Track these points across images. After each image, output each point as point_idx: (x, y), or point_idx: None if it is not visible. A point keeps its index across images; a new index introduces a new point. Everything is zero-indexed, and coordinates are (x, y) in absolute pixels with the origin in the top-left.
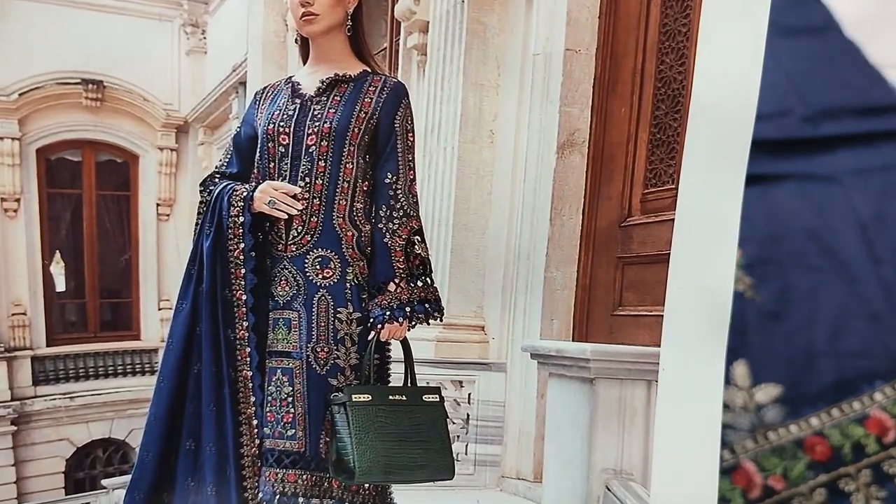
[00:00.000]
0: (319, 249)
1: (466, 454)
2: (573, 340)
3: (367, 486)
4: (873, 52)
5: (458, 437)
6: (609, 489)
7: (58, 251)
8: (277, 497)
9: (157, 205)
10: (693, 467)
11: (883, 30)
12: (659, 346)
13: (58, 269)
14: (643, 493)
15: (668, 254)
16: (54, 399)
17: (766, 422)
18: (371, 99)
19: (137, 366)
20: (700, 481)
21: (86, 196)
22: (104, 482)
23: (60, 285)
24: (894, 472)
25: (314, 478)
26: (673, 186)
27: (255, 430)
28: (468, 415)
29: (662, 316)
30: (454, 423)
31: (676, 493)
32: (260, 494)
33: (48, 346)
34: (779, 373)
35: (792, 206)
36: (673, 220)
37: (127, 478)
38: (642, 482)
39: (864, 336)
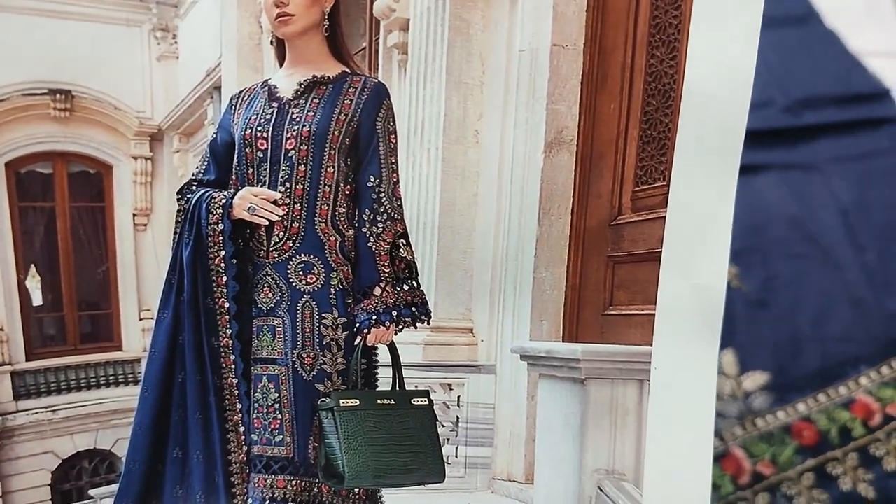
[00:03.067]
0: (302, 255)
1: (457, 457)
2: (563, 341)
3: (357, 490)
4: (853, 42)
5: (448, 439)
6: (601, 489)
7: (33, 265)
8: (267, 503)
9: (134, 215)
10: (686, 466)
11: (862, 19)
12: (651, 345)
13: (34, 283)
14: (636, 494)
15: (660, 252)
16: (37, 413)
17: (754, 409)
18: (351, 100)
19: (120, 376)
20: (693, 480)
21: (59, 208)
22: (91, 492)
23: (37, 299)
24: (881, 455)
25: (303, 483)
26: (664, 183)
27: (243, 437)
28: (458, 417)
29: (654, 315)
30: (444, 425)
31: (669, 492)
32: (249, 501)
33: (28, 360)
34: (765, 360)
35: (775, 195)
36: (664, 217)
37: (114, 487)
38: (635, 482)
39: (849, 321)
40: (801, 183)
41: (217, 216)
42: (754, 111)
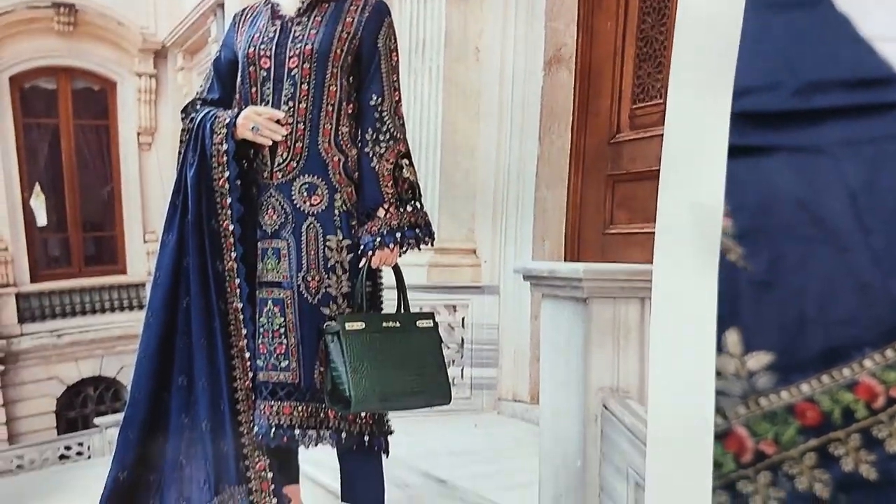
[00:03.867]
0: (306, 176)
1: (462, 378)
2: (565, 260)
3: (363, 414)
4: (864, 26)
5: (454, 361)
6: (606, 407)
7: (37, 183)
8: (273, 430)
9: (138, 134)
10: (689, 382)
11: (873, 4)
12: (651, 263)
13: (38, 203)
14: (640, 411)
15: (658, 170)
16: (41, 337)
17: (758, 388)
18: (353, 18)
19: (125, 301)
20: (697, 395)
21: (63, 126)
22: (97, 421)
23: (42, 219)
24: (883, 437)
25: (310, 409)
26: (661, 101)
27: (248, 364)
28: (462, 339)
29: (654, 233)
30: (449, 347)
31: (673, 408)
32: (255, 428)
33: (32, 282)
34: (770, 341)
35: (782, 178)
36: (662, 135)
37: (120, 416)
38: (639, 399)
39: (854, 304)
40: (809, 166)
41: (221, 136)
42: (763, 93)
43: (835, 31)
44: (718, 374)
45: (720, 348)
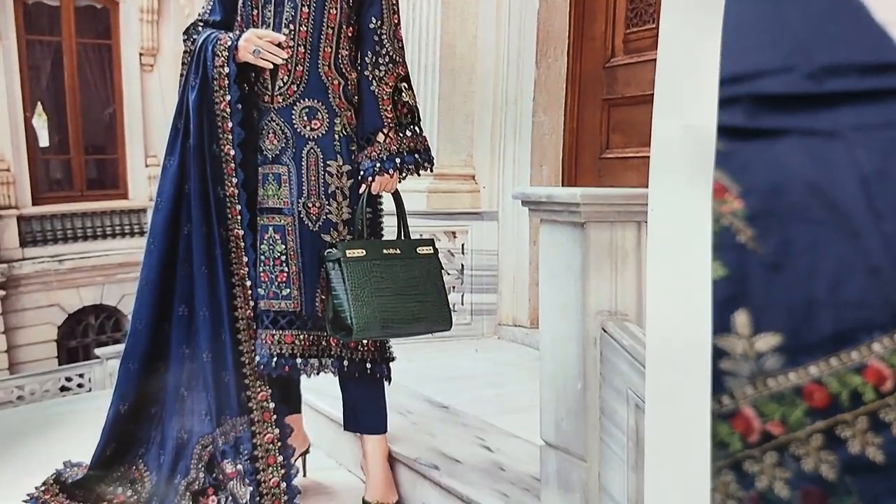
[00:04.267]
0: (306, 100)
1: (462, 304)
2: (563, 185)
3: (365, 342)
4: (878, 11)
5: (454, 287)
6: (605, 330)
7: (39, 103)
8: (275, 359)
9: (140, 54)
10: (686, 303)
11: None
12: (647, 187)
13: (40, 123)
14: (639, 333)
15: (652, 94)
16: (43, 262)
17: (766, 369)
18: None
19: (126, 227)
20: (694, 316)
21: (66, 44)
22: (97, 352)
23: (44, 140)
24: (891, 420)
25: (311, 337)
26: (654, 26)
27: (249, 292)
28: (462, 265)
29: (649, 157)
30: (449, 274)
31: (671, 329)
32: (257, 358)
33: (34, 205)
34: (779, 322)
35: (795, 161)
36: (655, 59)
37: (120, 347)
38: (637, 322)
39: (864, 288)
40: (822, 149)
41: (222, 59)
42: (777, 76)
43: (849, 16)
44: (727, 354)
45: (728, 329)
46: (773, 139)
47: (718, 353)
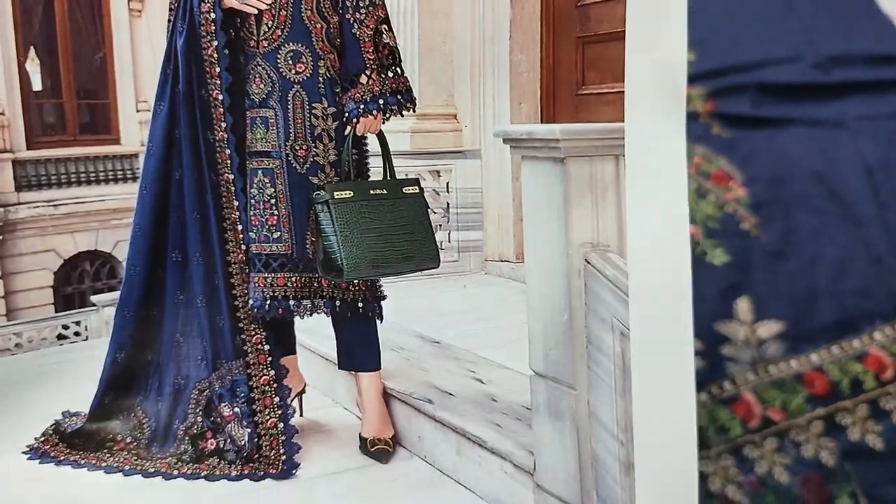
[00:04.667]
0: (291, 44)
1: (450, 241)
2: (541, 122)
3: (356, 281)
4: (886, 2)
5: (440, 225)
6: (588, 262)
7: (32, 47)
8: (268, 302)
9: (129, 0)
10: (665, 233)
11: None
12: (623, 121)
13: (33, 67)
14: (620, 263)
15: (624, 31)
16: (38, 206)
17: (767, 356)
18: None
19: (119, 172)
20: (673, 244)
21: None
22: (93, 299)
23: (37, 84)
24: (891, 408)
25: (303, 279)
26: None
27: (241, 236)
28: (448, 203)
29: (623, 92)
30: (435, 212)
31: (651, 258)
32: (250, 301)
33: (28, 149)
34: (781, 310)
35: (799, 150)
36: None
37: (116, 294)
38: (619, 252)
39: (866, 277)
40: (827, 139)
41: (209, 5)
42: (782, 65)
43: (856, 7)
44: (728, 340)
45: (731, 315)
46: (779, 128)
47: (720, 339)
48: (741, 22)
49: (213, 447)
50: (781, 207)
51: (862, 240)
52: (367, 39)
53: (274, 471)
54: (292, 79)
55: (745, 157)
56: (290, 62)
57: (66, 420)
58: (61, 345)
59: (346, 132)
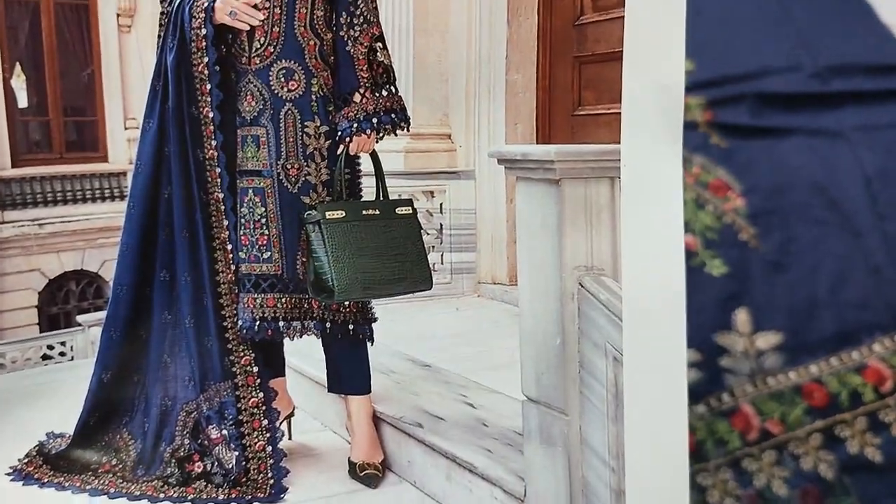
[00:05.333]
0: (283, 61)
1: (442, 263)
2: (537, 143)
3: (347, 303)
4: (885, 12)
5: (433, 247)
6: (582, 285)
7: (18, 63)
8: (257, 323)
9: (118, 15)
10: (660, 256)
11: None
12: (619, 143)
13: (19, 83)
14: (615, 287)
15: (622, 51)
16: (23, 226)
17: (766, 368)
18: None
19: (106, 190)
20: (668, 269)
21: (43, 4)
22: (79, 319)
23: (22, 101)
24: (890, 421)
25: (293, 300)
26: None
27: (231, 256)
28: (441, 224)
29: (620, 113)
30: (428, 233)
31: (646, 283)
32: (239, 322)
33: (13, 167)
34: (780, 321)
35: (798, 160)
36: (623, 17)
37: (102, 314)
38: (613, 276)
39: (866, 288)
40: (825, 149)
41: (200, 20)
42: (782, 75)
43: (856, 16)
44: (727, 351)
45: (729, 326)
46: (777, 138)
47: (719, 351)
48: (739, 31)
49: (200, 470)
50: (780, 218)
51: (861, 250)
52: (361, 57)
53: (262, 495)
54: (284, 96)
55: (744, 166)
56: (283, 79)
57: (51, 441)
58: (46, 365)
59: (339, 151)
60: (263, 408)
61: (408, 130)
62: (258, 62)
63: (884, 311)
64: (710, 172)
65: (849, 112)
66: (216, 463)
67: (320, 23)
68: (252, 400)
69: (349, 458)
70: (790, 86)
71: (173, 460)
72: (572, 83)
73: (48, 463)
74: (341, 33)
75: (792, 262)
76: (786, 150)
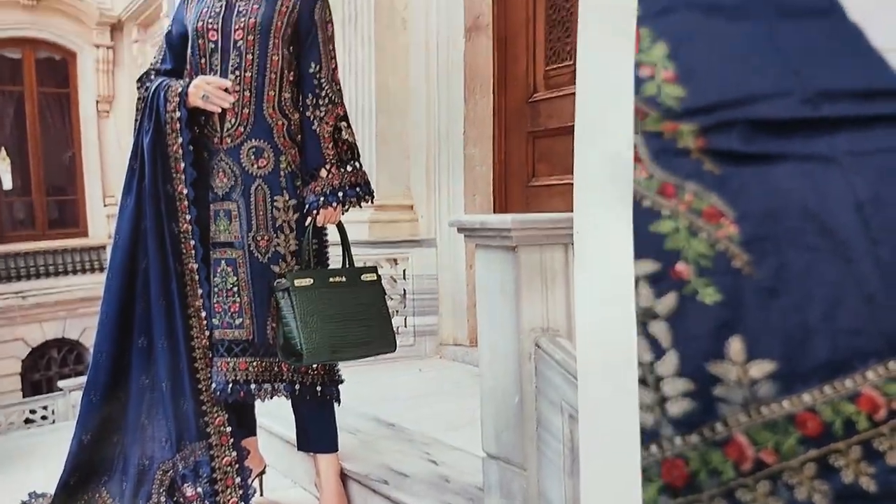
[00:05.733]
0: (253, 140)
1: (406, 327)
2: (494, 212)
3: (315, 365)
4: (875, 37)
5: (397, 311)
6: (538, 346)
7: (3, 148)
8: (230, 385)
9: (97, 101)
10: (612, 318)
11: (885, 14)
12: (572, 211)
13: (4, 167)
14: (570, 347)
15: (573, 125)
16: (7, 298)
17: (760, 397)
18: None
19: (87, 263)
20: (620, 329)
21: (27, 93)
22: (60, 384)
23: (7, 183)
24: (884, 450)
25: (264, 363)
26: (571, 63)
27: (205, 322)
28: (404, 290)
29: (572, 184)
30: (392, 298)
31: (599, 343)
32: (213, 385)
33: None
34: (773, 349)
35: (790, 186)
36: (574, 93)
37: (83, 379)
38: (567, 337)
39: (859, 315)
40: (817, 175)
41: (174, 104)
42: (772, 101)
43: (846, 41)
44: (720, 381)
45: (722, 355)
46: (769, 164)
47: (712, 380)
48: (730, 57)
49: None
50: (773, 244)
51: (853, 277)
52: (326, 136)
53: None
54: (254, 173)
55: (737, 193)
56: (253, 157)
57: (33, 501)
58: (29, 428)
59: (307, 223)
60: (237, 466)
61: (372, 203)
62: (229, 142)
63: (877, 338)
64: (703, 199)
65: (840, 137)
66: None
67: (288, 104)
68: (226, 459)
69: None
70: (781, 111)
71: None
72: (527, 156)
73: None
74: (308, 114)
75: (785, 289)
76: (778, 175)
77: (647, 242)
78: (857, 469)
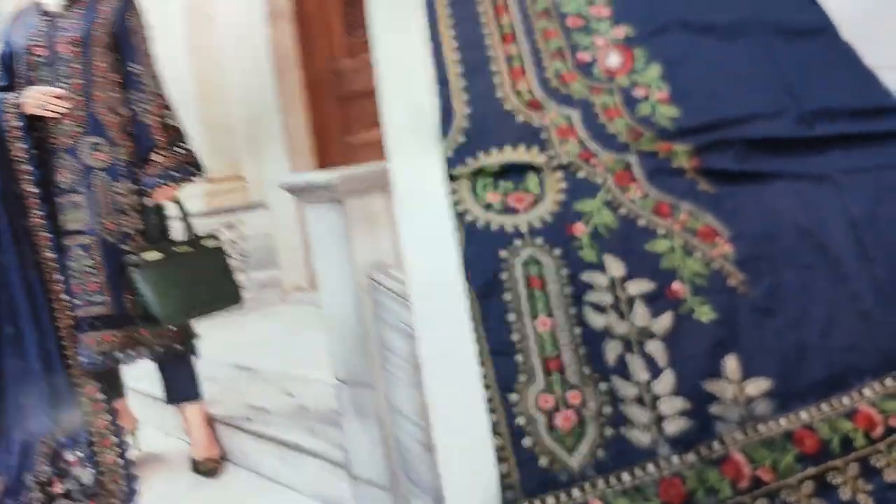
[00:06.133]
0: (90, 137)
1: (250, 281)
2: (318, 171)
3: (172, 327)
4: (868, 55)
5: (242, 270)
6: (373, 279)
7: None
8: (99, 357)
9: None
10: (434, 248)
11: (878, 33)
12: (385, 161)
13: None
14: (400, 276)
15: (375, 86)
16: None
17: (756, 415)
18: (108, 7)
19: None
20: (442, 252)
21: None
22: None
23: None
24: (882, 466)
25: (126, 332)
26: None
27: (66, 304)
28: (244, 249)
29: (382, 137)
30: (234, 258)
31: (426, 267)
32: (82, 359)
33: None
34: (769, 367)
35: (784, 205)
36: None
37: None
38: (397, 267)
39: (854, 333)
40: (812, 193)
41: (11, 114)
42: (767, 120)
43: (839, 60)
44: (716, 399)
45: (718, 373)
46: (763, 183)
47: (708, 398)
48: (723, 77)
49: (61, 491)
50: (768, 263)
51: (848, 294)
52: (155, 124)
53: (117, 501)
54: (95, 165)
55: (731, 212)
56: (91, 152)
57: None
58: None
59: (148, 202)
60: (112, 427)
61: (204, 177)
62: (69, 141)
63: (873, 354)
64: (698, 219)
65: (834, 155)
66: (75, 481)
67: (116, 103)
68: (100, 422)
69: (191, 457)
70: (776, 131)
71: (36, 485)
72: (339, 118)
73: None
74: (135, 108)
75: (780, 307)
76: (772, 194)
77: (642, 262)
78: (854, 486)
